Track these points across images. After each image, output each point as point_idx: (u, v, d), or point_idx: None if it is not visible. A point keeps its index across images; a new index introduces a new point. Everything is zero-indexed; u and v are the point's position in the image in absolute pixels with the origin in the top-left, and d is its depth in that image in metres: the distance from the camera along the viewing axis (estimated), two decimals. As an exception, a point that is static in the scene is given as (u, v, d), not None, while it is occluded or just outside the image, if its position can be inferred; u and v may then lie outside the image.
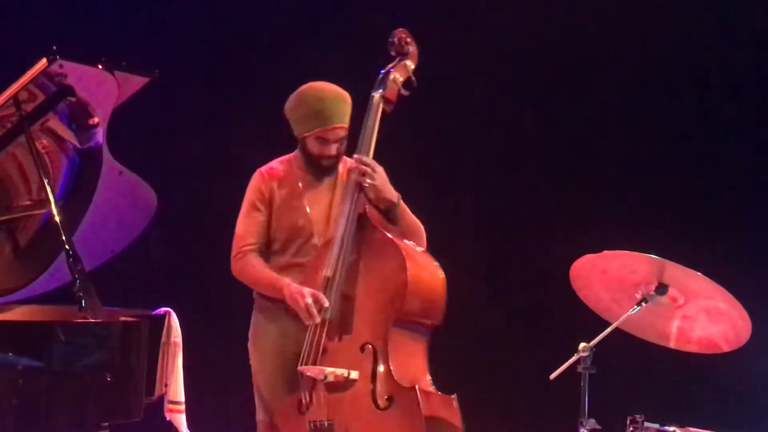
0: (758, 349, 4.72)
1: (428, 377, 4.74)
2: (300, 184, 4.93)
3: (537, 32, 6.54)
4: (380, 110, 4.84)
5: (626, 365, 5.94)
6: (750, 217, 6.25)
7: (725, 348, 4.52)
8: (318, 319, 4.68)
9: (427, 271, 4.76)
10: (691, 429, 4.48)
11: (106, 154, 5.28)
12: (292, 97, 4.89)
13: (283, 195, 4.90)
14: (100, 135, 5.25)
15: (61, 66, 4.94)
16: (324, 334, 4.69)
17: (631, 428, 4.52)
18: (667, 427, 4.49)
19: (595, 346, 4.43)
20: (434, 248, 6.04)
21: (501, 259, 6.52)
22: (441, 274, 4.81)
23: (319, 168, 4.91)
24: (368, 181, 4.76)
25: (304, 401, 4.70)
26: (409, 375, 4.65)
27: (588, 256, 4.53)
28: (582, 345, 4.44)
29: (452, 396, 4.69)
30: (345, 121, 4.84)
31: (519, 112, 6.61)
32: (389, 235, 4.74)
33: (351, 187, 4.80)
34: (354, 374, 4.63)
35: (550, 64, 6.58)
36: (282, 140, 6.39)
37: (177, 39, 6.69)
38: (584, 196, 6.48)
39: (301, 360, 4.70)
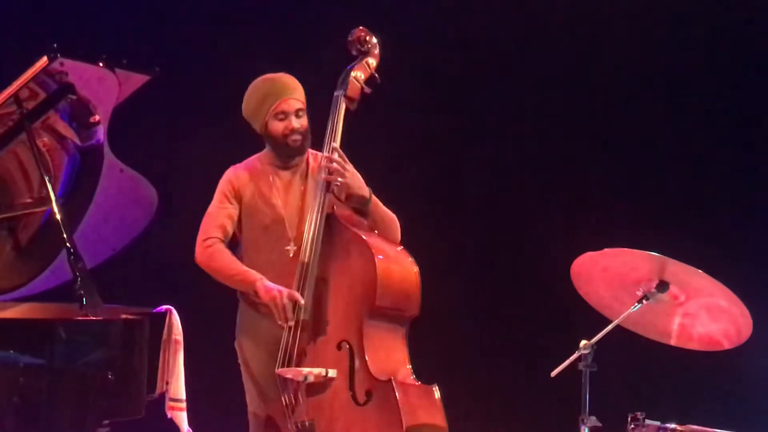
0: (759, 346, 4.72)
1: (408, 368, 4.76)
2: (272, 179, 4.94)
3: (539, 30, 6.53)
4: (342, 109, 4.89)
5: (627, 363, 5.94)
6: (751, 214, 6.24)
7: (726, 345, 4.52)
8: (292, 321, 4.70)
9: (397, 264, 4.79)
10: (692, 426, 4.48)
11: (107, 152, 5.28)
12: (245, 95, 4.96)
13: (253, 189, 4.92)
14: (101, 133, 5.25)
15: (62, 64, 4.94)
16: (299, 336, 4.71)
17: (632, 426, 4.52)
18: (668, 425, 4.49)
19: (596, 343, 4.43)
20: (434, 246, 6.06)
21: (502, 257, 6.52)
22: (411, 265, 4.83)
23: (289, 151, 4.91)
24: (339, 180, 4.79)
25: (285, 403, 4.72)
26: (387, 368, 4.68)
27: (589, 254, 4.53)
28: (583, 342, 4.44)
29: (433, 386, 4.71)
30: (297, 94, 4.90)
31: (520, 110, 6.61)
32: (357, 232, 4.78)
33: (319, 187, 4.83)
34: (332, 372, 4.66)
35: (551, 62, 6.58)
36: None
37: (178, 36, 6.69)
38: (585, 194, 6.48)
39: (278, 363, 4.72)
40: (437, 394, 4.70)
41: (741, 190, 6.28)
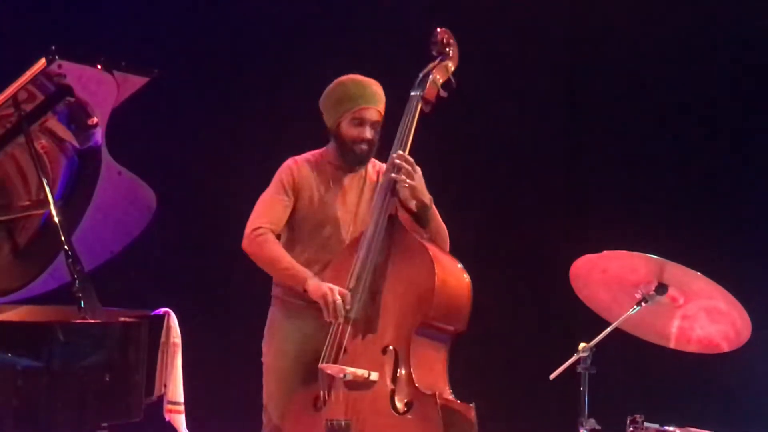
0: (758, 348, 4.72)
1: (448, 385, 4.71)
2: (330, 179, 4.90)
3: (540, 31, 6.53)
4: (418, 110, 4.80)
5: (626, 365, 5.94)
6: (750, 216, 6.24)
7: (725, 348, 4.52)
8: (342, 319, 4.64)
9: (454, 277, 4.72)
10: (691, 429, 4.48)
11: (105, 155, 5.28)
12: (329, 87, 4.89)
13: (312, 187, 4.87)
14: (99, 135, 5.24)
15: (60, 66, 4.93)
16: (347, 333, 4.66)
17: (631, 428, 4.52)
18: (666, 427, 4.49)
19: (595, 346, 4.43)
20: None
21: (500, 259, 6.52)
22: (467, 281, 4.77)
23: (353, 157, 4.86)
24: (408, 181, 4.73)
25: (322, 398, 4.67)
26: (430, 381, 4.62)
27: (588, 256, 4.53)
28: (582, 345, 4.44)
29: (471, 405, 4.66)
30: (380, 105, 4.84)
31: (520, 112, 6.61)
32: (419, 239, 4.71)
33: (384, 186, 4.76)
34: (374, 375, 4.59)
35: (551, 64, 6.58)
36: (283, 140, 6.40)
37: (176, 38, 6.69)
38: (584, 196, 6.48)
39: (322, 357, 4.66)
40: (474, 413, 4.65)
41: (740, 193, 6.28)
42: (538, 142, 6.61)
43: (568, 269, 4.59)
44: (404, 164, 4.73)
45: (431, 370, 4.67)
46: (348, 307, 4.64)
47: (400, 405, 4.58)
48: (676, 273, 4.39)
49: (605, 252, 4.50)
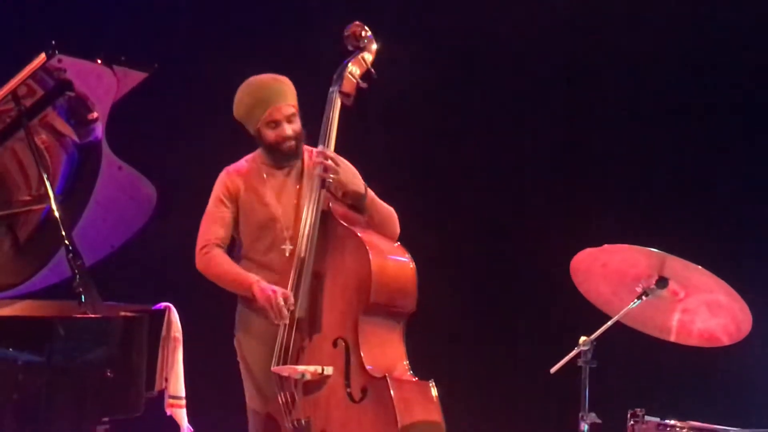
0: (759, 342, 4.72)
1: (404, 364, 4.74)
2: (265, 177, 4.93)
3: (536, 24, 6.52)
4: (338, 104, 4.88)
5: (627, 359, 5.94)
6: (750, 210, 6.24)
7: (726, 341, 4.51)
8: (287, 319, 4.69)
9: (392, 260, 4.77)
10: (692, 422, 4.48)
11: (106, 149, 5.28)
12: (235, 98, 4.93)
13: (249, 190, 4.91)
14: (99, 130, 5.24)
15: (59, 61, 4.93)
16: (294, 333, 4.71)
17: (631, 422, 4.52)
18: (667, 421, 4.49)
19: (596, 339, 4.43)
20: (432, 241, 6.06)
21: (501, 253, 6.52)
22: (407, 261, 4.81)
23: (282, 156, 4.90)
24: (331, 176, 4.78)
25: (282, 400, 4.72)
26: (383, 364, 4.67)
27: (588, 250, 4.52)
28: (582, 339, 4.43)
29: (429, 381, 4.70)
30: (288, 99, 4.87)
31: (519, 105, 6.60)
32: (351, 228, 4.76)
33: (314, 184, 4.82)
34: (328, 370, 4.65)
35: (549, 57, 6.57)
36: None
37: (176, 33, 6.68)
38: (584, 190, 6.48)
39: (273, 361, 4.72)
40: (434, 390, 4.69)
41: (740, 187, 6.28)
42: (538, 135, 6.60)
43: (569, 263, 4.58)
44: (326, 162, 4.78)
45: (384, 353, 4.71)
46: (291, 307, 4.68)
47: (355, 393, 4.63)
48: (677, 266, 4.39)
49: (606, 246, 4.50)
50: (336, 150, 4.87)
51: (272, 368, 4.71)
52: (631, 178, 6.44)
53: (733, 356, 5.02)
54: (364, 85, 4.93)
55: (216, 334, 6.56)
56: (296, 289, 4.73)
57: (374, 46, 4.98)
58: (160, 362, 5.05)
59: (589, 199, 6.44)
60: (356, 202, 4.84)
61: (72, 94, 5.08)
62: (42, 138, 5.21)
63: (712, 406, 5.56)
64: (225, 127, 6.73)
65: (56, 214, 4.98)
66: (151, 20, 6.69)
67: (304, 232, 4.77)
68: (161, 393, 5.08)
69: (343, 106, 4.89)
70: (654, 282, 4.45)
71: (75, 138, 5.27)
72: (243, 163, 5.00)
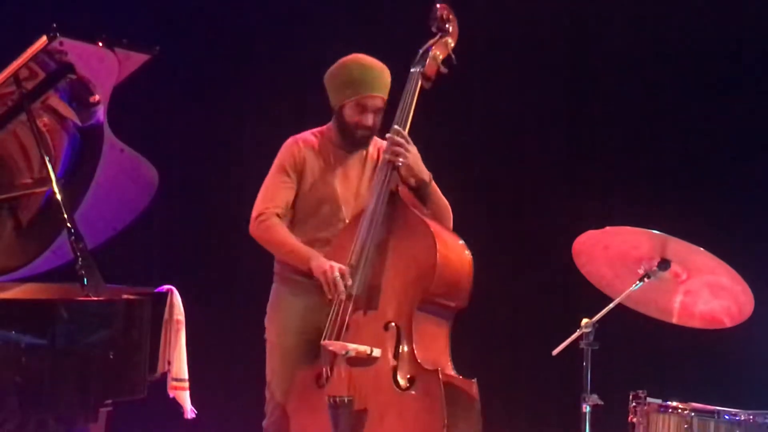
0: (761, 323, 4.72)
1: (450, 361, 4.71)
2: (332, 158, 4.90)
3: (539, 13, 6.52)
4: (419, 86, 4.81)
5: (629, 341, 5.95)
6: (752, 192, 6.24)
7: (728, 323, 4.52)
8: (343, 295, 4.65)
9: (455, 253, 4.73)
10: (694, 404, 4.49)
11: (107, 132, 5.27)
12: (334, 66, 4.87)
13: (314, 166, 4.88)
14: (101, 113, 5.24)
15: (61, 43, 4.92)
16: (349, 310, 4.66)
17: (633, 404, 4.53)
18: (669, 403, 4.50)
19: (598, 321, 4.44)
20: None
21: (503, 236, 6.52)
22: (468, 257, 4.78)
23: (353, 140, 4.88)
24: (401, 160, 4.73)
25: (324, 375, 4.68)
26: (432, 357, 4.63)
27: (590, 232, 4.53)
28: (584, 321, 4.44)
29: (473, 380, 4.66)
30: (384, 92, 4.84)
31: (522, 89, 6.60)
32: (420, 215, 4.72)
33: (383, 164, 4.77)
34: (376, 352, 4.60)
35: (553, 41, 6.56)
36: (286, 116, 6.39)
37: (178, 13, 6.67)
38: (586, 172, 6.48)
39: (324, 334, 4.67)
40: (476, 388, 4.65)
41: (742, 168, 6.27)
42: (540, 118, 6.60)
43: (571, 245, 4.59)
44: (396, 146, 4.74)
45: (433, 346, 4.67)
46: (348, 283, 4.65)
47: (402, 381, 4.59)
48: (679, 248, 4.39)
49: (608, 228, 4.50)
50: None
51: (322, 341, 4.65)
52: (633, 161, 6.44)
53: (735, 338, 5.03)
54: (444, 70, 4.85)
55: (218, 316, 6.59)
56: (356, 265, 4.68)
57: (458, 32, 4.88)
58: (163, 345, 5.05)
59: (591, 181, 6.44)
60: (420, 189, 4.80)
61: (74, 76, 5.07)
62: (44, 121, 5.20)
63: (714, 388, 5.57)
64: (229, 108, 6.75)
65: (58, 196, 4.98)
66: (154, 1, 6.68)
67: (370, 209, 4.70)
68: (164, 375, 5.08)
69: (422, 88, 4.82)
70: (656, 264, 4.46)
71: (77, 121, 5.26)
72: (310, 135, 4.95)
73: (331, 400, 4.61)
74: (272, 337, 4.93)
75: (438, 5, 4.90)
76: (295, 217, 4.90)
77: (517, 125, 6.61)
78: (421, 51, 4.87)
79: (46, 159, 5.03)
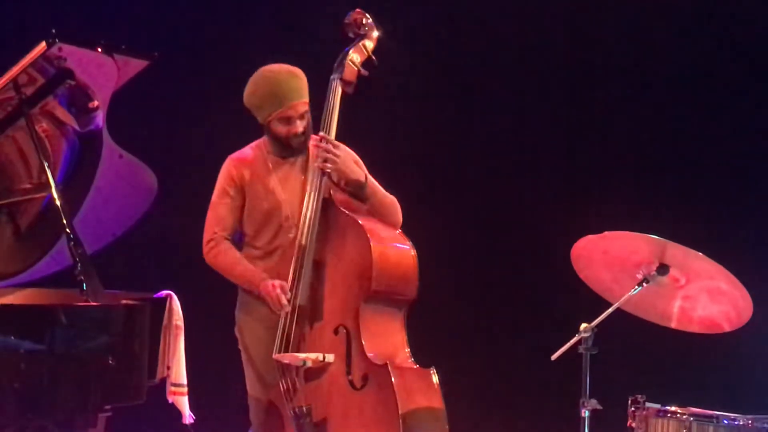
0: (759, 328, 4.72)
1: (406, 351, 4.75)
2: (270, 167, 4.92)
3: (538, 16, 6.52)
4: (339, 92, 4.88)
5: (627, 346, 5.94)
6: (751, 197, 6.24)
7: (727, 328, 4.52)
8: (288, 307, 4.70)
9: (393, 248, 4.77)
10: (693, 409, 4.49)
11: (107, 138, 5.28)
12: (248, 85, 4.90)
13: (254, 179, 4.90)
14: (100, 118, 5.25)
15: (60, 49, 4.93)
16: (294, 321, 4.71)
17: (632, 408, 4.53)
18: (668, 407, 4.50)
19: (597, 326, 4.43)
20: (434, 229, 6.05)
21: (502, 240, 6.52)
22: (409, 249, 4.81)
23: (290, 149, 4.90)
24: (329, 166, 4.78)
25: (284, 388, 4.72)
26: (384, 352, 4.67)
27: (589, 237, 4.53)
28: (583, 326, 4.44)
29: (430, 369, 4.70)
30: (303, 96, 4.85)
31: (520, 94, 6.60)
32: (352, 216, 4.76)
33: (313, 173, 4.81)
34: (329, 357, 4.66)
35: (550, 46, 6.57)
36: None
37: (177, 21, 6.68)
38: (585, 177, 6.48)
39: (275, 348, 4.72)
40: (435, 377, 4.69)
41: (741, 173, 6.28)
42: (538, 122, 6.60)
43: (570, 250, 4.59)
44: (323, 152, 4.78)
45: (385, 340, 4.72)
46: (288, 296, 4.69)
47: (356, 381, 4.64)
48: (678, 253, 4.39)
49: (606, 233, 4.50)
50: (338, 137, 4.86)
51: (274, 356, 4.71)
52: (632, 165, 6.44)
53: (734, 343, 5.03)
54: (365, 72, 4.92)
55: (217, 321, 6.57)
56: (297, 278, 4.74)
57: (375, 34, 4.97)
58: (162, 350, 5.06)
59: (590, 186, 6.44)
60: (357, 191, 4.84)
61: (73, 82, 5.08)
62: (43, 126, 5.21)
63: (713, 393, 5.57)
64: (226, 114, 6.74)
65: (57, 202, 4.98)
66: (152, 8, 6.68)
67: (305, 220, 4.77)
68: (163, 381, 5.09)
69: (344, 93, 4.89)
70: (655, 269, 4.46)
71: (76, 126, 5.27)
72: (248, 150, 4.99)
73: (293, 411, 4.68)
74: (244, 346, 4.95)
75: (351, 12, 4.98)
76: (248, 233, 4.92)
77: (516, 130, 6.61)
78: (339, 58, 4.94)
79: (45, 164, 5.04)
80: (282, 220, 4.86)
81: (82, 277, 4.87)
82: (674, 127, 6.40)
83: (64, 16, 6.31)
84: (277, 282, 4.72)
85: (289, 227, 4.85)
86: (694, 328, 4.58)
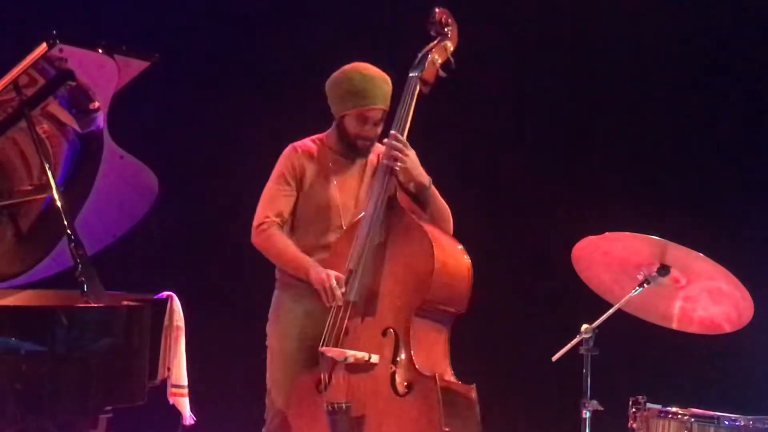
0: (760, 329, 4.73)
1: (449, 366, 4.70)
2: (331, 165, 4.89)
3: (540, 13, 6.52)
4: (417, 91, 4.78)
5: (628, 347, 5.94)
6: (751, 197, 6.24)
7: (727, 329, 4.52)
8: (340, 302, 4.65)
9: (453, 259, 4.70)
10: (694, 410, 4.49)
11: (107, 139, 5.28)
12: (336, 74, 4.85)
13: (313, 173, 4.87)
14: (100, 119, 5.24)
15: (61, 50, 4.92)
16: (347, 316, 4.65)
17: (633, 409, 4.53)
18: (669, 408, 4.50)
19: (597, 327, 4.44)
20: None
21: (503, 241, 6.52)
22: (467, 262, 4.75)
23: (353, 150, 4.87)
24: (399, 165, 4.72)
25: (323, 381, 4.67)
26: (430, 363, 4.62)
27: (590, 238, 4.53)
28: (584, 326, 4.44)
29: (472, 386, 4.66)
30: (386, 104, 4.82)
31: (521, 94, 6.60)
32: (418, 220, 4.70)
33: (381, 169, 4.76)
34: (374, 358, 4.59)
35: (552, 45, 6.57)
36: (286, 123, 6.39)
37: (178, 20, 6.68)
38: (586, 178, 6.48)
39: (322, 341, 4.67)
40: (475, 394, 4.64)
41: (742, 174, 6.28)
42: (539, 123, 6.60)
43: (570, 251, 4.59)
44: (394, 151, 4.72)
45: (431, 352, 4.66)
46: (343, 290, 4.66)
47: (400, 387, 4.58)
48: (678, 254, 4.40)
49: (607, 233, 4.51)
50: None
51: (320, 348, 4.65)
52: (632, 166, 6.44)
53: (735, 343, 5.03)
54: (443, 74, 4.82)
55: (218, 322, 6.58)
56: (353, 273, 4.68)
57: (457, 36, 4.85)
58: (163, 351, 5.06)
59: (590, 187, 6.44)
60: (420, 194, 4.78)
61: (73, 83, 5.08)
62: (43, 127, 5.21)
63: (714, 394, 5.58)
64: (227, 115, 6.75)
65: (58, 203, 4.98)
66: (154, 8, 6.68)
67: (368, 215, 4.69)
68: (164, 382, 5.08)
69: (420, 93, 4.79)
70: (655, 270, 4.46)
71: (76, 127, 5.27)
72: (309, 143, 4.94)
73: (329, 406, 4.61)
74: (273, 342, 4.93)
75: (437, 9, 4.88)
76: (295, 224, 4.90)
77: (517, 131, 6.61)
78: (419, 55, 4.84)
79: (46, 166, 5.04)
80: (333, 218, 4.84)
81: (83, 279, 4.86)
82: (675, 128, 6.40)
83: (65, 17, 6.31)
84: (333, 273, 4.67)
85: (339, 226, 4.84)
86: (695, 329, 4.58)
